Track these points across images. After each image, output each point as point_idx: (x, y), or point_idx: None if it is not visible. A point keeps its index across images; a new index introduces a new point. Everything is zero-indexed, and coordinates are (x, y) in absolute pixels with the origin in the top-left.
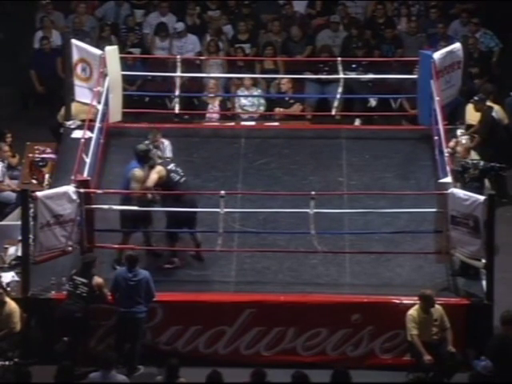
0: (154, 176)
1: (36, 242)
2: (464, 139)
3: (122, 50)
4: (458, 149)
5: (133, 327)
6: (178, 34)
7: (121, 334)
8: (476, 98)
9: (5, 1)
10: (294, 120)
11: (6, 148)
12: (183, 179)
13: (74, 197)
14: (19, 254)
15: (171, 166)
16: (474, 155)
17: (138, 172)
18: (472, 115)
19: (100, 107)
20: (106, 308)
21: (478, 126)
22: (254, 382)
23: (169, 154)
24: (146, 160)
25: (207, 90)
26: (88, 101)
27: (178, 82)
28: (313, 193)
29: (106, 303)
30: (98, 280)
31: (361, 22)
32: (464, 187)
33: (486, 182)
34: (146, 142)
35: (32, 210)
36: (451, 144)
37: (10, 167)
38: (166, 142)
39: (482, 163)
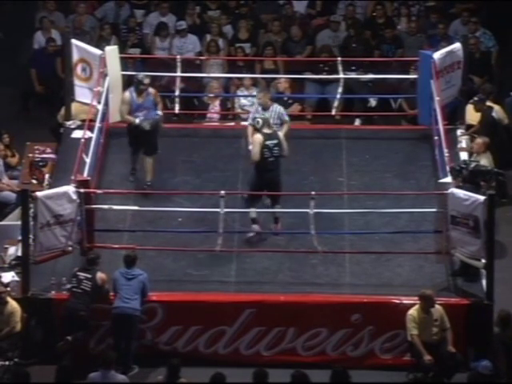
0: (256, 139)
1: (36, 242)
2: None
3: (122, 50)
4: (476, 142)
5: (126, 323)
6: (178, 31)
7: (115, 330)
8: (476, 98)
9: (5, 1)
10: (293, 120)
11: (1, 147)
12: (271, 159)
13: (74, 197)
14: (19, 254)
15: (269, 143)
16: (484, 158)
17: (125, 94)
18: (472, 115)
19: (100, 107)
20: (107, 308)
21: (478, 126)
22: (256, 383)
23: (274, 119)
24: (138, 88)
25: (208, 90)
26: (88, 101)
27: (177, 81)
28: (313, 193)
29: (107, 301)
30: (101, 275)
31: (361, 22)
32: (459, 187)
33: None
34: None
35: (32, 210)
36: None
37: (9, 167)
38: (278, 108)
39: (473, 165)
